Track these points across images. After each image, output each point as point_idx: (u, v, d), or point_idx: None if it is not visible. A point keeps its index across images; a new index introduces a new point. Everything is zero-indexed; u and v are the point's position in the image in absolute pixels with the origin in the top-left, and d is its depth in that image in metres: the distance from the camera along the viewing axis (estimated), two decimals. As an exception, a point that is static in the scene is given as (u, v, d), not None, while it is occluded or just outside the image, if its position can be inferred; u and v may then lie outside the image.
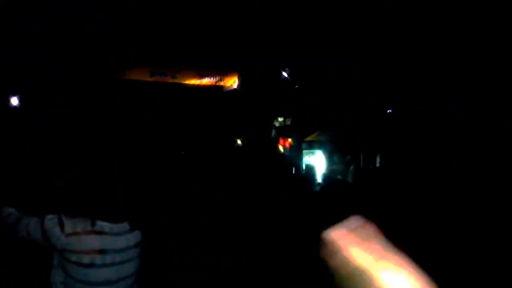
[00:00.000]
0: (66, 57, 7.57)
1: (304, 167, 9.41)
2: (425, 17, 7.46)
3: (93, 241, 1.72)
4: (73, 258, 1.68)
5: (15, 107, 8.30)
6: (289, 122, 12.49)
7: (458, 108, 7.86)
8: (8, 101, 8.25)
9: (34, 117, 7.11)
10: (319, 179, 9.13)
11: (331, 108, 11.09)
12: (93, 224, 1.75)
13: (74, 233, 1.70)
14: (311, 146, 10.48)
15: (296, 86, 11.63)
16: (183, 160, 8.40)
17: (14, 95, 8.24)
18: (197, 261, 4.85)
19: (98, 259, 1.71)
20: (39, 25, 6.94)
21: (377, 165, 9.33)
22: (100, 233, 1.75)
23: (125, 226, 1.86)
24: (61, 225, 1.70)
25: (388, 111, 11.35)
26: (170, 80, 10.28)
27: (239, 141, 11.24)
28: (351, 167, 8.91)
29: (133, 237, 1.88)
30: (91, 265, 1.69)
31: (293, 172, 9.56)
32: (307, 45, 9.48)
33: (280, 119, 12.62)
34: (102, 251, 1.72)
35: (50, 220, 1.72)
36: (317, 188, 8.76)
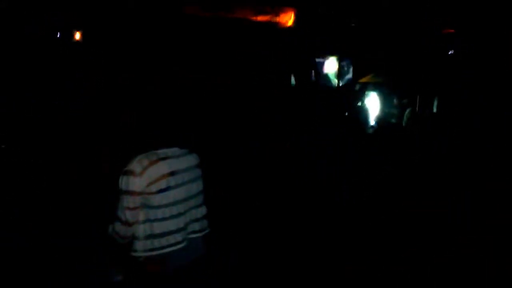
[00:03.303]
0: None
1: (357, 109, 9.32)
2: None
3: (163, 167, 1.94)
4: (154, 188, 1.90)
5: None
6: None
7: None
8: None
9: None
10: (372, 121, 9.05)
11: (388, 49, 10.69)
12: (156, 153, 1.96)
13: (145, 168, 1.90)
14: (366, 87, 10.28)
15: (353, 25, 11.23)
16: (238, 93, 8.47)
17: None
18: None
19: (172, 180, 1.95)
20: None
21: (434, 109, 9.08)
22: (165, 158, 1.97)
23: (183, 150, 2.09)
24: (130, 172, 1.90)
25: (449, 52, 10.78)
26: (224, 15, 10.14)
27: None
28: (407, 111, 8.73)
29: (193, 158, 2.12)
30: (168, 188, 1.93)
31: (346, 113, 9.47)
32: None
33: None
34: (172, 173, 1.96)
35: (121, 182, 1.92)
36: (370, 131, 8.73)
